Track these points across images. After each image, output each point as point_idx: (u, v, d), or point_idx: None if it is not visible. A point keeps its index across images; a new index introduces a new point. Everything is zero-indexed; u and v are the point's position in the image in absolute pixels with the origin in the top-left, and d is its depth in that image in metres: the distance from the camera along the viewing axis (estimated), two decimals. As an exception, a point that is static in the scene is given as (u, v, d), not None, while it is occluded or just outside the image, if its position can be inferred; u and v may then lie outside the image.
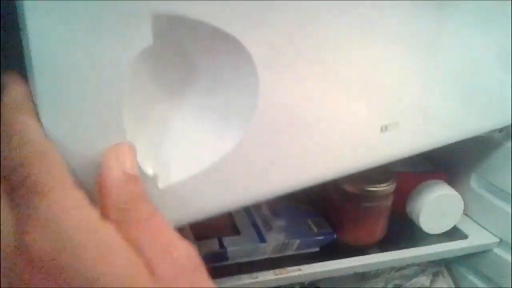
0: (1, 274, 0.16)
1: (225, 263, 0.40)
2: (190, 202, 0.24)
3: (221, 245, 0.39)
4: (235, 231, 0.42)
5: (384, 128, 0.31)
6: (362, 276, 0.50)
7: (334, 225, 0.44)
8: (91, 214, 0.17)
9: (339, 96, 0.28)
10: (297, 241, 0.41)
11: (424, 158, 0.53)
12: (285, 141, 0.26)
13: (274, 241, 0.41)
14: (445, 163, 0.52)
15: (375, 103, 0.30)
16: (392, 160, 0.34)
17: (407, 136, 0.33)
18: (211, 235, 0.40)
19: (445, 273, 0.51)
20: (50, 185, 0.17)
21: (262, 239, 0.40)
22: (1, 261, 0.16)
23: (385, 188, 0.42)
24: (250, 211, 0.44)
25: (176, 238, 0.19)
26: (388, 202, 0.44)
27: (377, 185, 0.42)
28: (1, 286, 0.16)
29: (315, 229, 0.43)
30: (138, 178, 0.19)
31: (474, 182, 0.49)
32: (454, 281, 0.52)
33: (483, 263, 0.49)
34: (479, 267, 0.50)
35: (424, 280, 0.49)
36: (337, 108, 0.28)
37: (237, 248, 0.39)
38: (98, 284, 0.16)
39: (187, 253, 0.18)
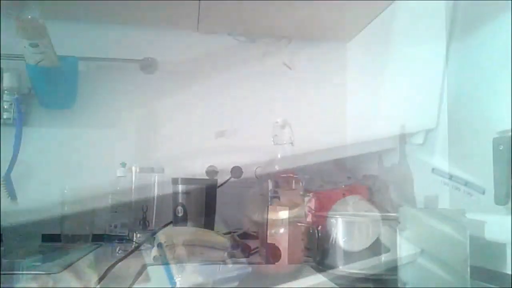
0: None
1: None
2: None
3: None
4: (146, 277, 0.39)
5: None
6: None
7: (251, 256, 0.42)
8: None
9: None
10: (211, 280, 0.39)
11: (346, 170, 0.52)
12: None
13: (187, 284, 0.39)
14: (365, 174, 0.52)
15: None
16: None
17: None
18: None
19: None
20: None
21: (172, 283, 0.38)
22: None
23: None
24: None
25: None
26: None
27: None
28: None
29: (230, 264, 0.41)
30: None
31: (393, 193, 0.49)
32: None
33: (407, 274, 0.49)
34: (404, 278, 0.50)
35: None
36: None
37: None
38: None
39: None
